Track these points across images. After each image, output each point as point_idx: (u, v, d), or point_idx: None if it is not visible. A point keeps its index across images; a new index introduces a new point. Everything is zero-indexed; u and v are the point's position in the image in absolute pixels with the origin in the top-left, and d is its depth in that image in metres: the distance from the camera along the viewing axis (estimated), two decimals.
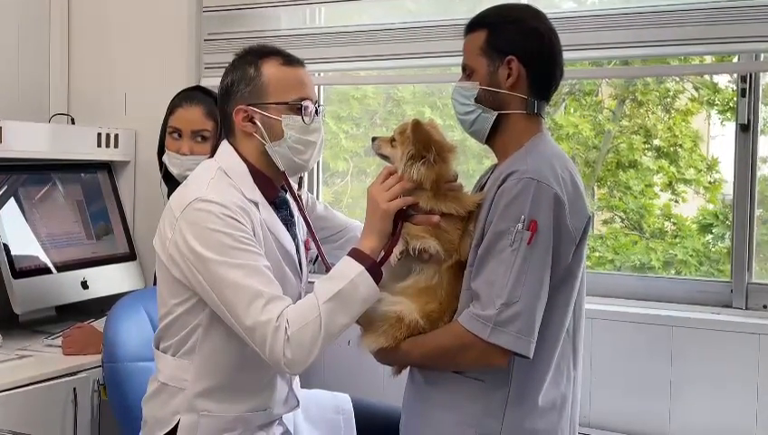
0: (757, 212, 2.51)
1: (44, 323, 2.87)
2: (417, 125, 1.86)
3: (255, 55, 1.98)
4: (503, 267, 1.72)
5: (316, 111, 1.99)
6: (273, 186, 2.02)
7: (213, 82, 2.95)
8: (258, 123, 1.94)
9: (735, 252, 2.50)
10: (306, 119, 1.96)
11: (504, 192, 1.76)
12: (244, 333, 1.79)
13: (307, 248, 2.13)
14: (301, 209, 2.09)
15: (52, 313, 2.94)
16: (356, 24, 2.92)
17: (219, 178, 1.92)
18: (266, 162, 1.98)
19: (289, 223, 2.06)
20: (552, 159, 1.81)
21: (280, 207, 2.04)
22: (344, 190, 3.84)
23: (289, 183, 2.05)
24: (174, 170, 2.57)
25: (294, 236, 2.06)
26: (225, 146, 2.01)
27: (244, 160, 1.97)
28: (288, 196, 2.08)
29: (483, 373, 1.80)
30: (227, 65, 2.02)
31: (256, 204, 1.94)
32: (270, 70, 1.96)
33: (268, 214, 1.97)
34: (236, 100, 1.96)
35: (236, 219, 1.83)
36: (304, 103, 1.96)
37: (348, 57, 2.91)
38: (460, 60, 1.96)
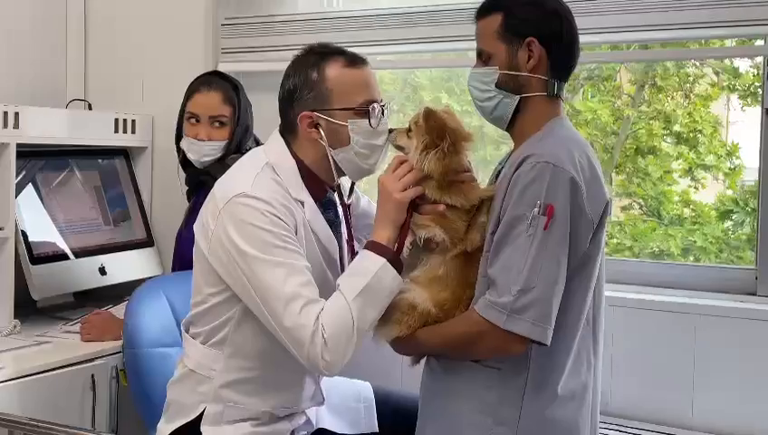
0: None
1: (62, 309, 2.88)
2: (428, 114, 1.82)
3: (318, 56, 1.93)
4: (519, 253, 1.70)
5: (382, 110, 1.94)
6: (323, 187, 1.99)
7: (230, 66, 2.96)
8: (323, 130, 1.90)
9: (761, 238, 2.46)
10: (373, 121, 1.91)
11: (519, 177, 1.73)
12: (281, 332, 1.77)
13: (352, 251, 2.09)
14: (345, 214, 2.06)
15: (70, 299, 2.95)
16: (373, 7, 2.90)
17: (265, 173, 1.88)
18: (324, 166, 1.93)
19: (334, 224, 2.02)
20: (568, 142, 1.78)
21: (326, 207, 2.00)
22: None
23: (339, 185, 2.02)
24: (192, 156, 2.57)
25: (339, 238, 2.02)
26: (277, 141, 1.97)
27: (297, 159, 1.93)
28: (335, 196, 2.05)
29: (500, 362, 1.78)
30: (288, 67, 1.96)
31: (302, 203, 1.90)
32: (333, 73, 1.90)
33: (313, 214, 1.93)
34: (301, 106, 1.91)
35: (280, 217, 1.81)
36: (371, 106, 1.91)
37: (365, 41, 2.88)
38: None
